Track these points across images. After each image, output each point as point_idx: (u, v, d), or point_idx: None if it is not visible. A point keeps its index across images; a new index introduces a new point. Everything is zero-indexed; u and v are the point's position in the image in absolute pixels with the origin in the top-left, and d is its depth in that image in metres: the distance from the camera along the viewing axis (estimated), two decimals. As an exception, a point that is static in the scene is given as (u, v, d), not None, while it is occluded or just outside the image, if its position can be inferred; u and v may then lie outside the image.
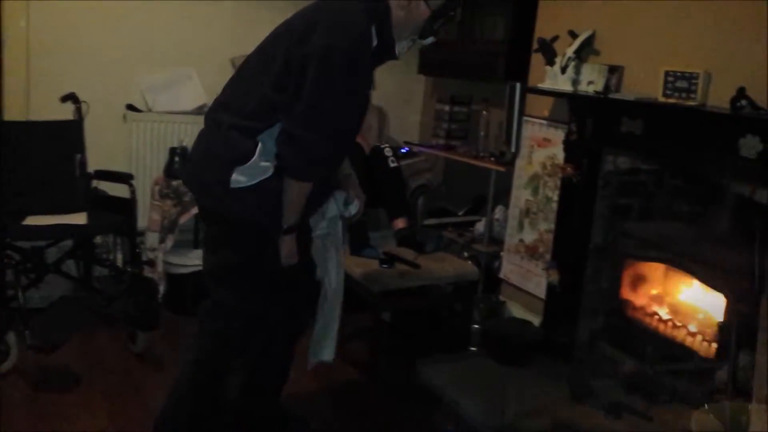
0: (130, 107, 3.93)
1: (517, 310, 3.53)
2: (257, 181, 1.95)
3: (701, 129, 2.53)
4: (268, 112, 1.94)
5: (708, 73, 2.58)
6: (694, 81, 2.60)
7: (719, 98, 2.49)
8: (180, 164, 3.67)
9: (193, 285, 3.48)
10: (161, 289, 3.48)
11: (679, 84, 2.64)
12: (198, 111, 4.06)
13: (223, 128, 2.01)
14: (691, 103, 2.59)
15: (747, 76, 2.41)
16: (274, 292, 2.13)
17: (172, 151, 3.70)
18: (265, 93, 1.95)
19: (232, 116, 2.00)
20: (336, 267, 2.30)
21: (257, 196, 1.98)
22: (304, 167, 1.95)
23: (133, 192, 3.29)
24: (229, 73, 4.24)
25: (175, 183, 3.61)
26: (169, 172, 3.68)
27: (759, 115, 2.32)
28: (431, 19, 1.99)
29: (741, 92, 2.36)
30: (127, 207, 3.28)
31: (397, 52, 2.05)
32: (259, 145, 1.94)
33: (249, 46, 4.05)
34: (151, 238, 3.69)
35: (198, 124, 3.99)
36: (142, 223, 3.65)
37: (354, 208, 2.31)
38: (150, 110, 3.96)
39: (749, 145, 2.32)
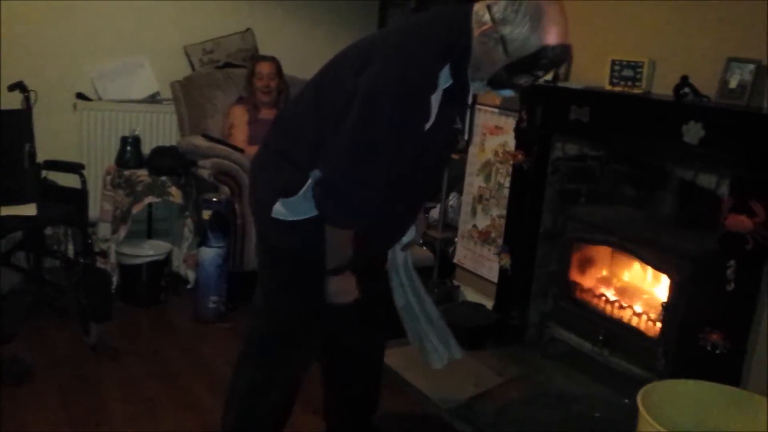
0: (80, 96, 3.85)
1: (471, 294, 3.60)
2: (298, 218, 1.81)
3: (646, 116, 2.62)
4: (320, 147, 1.75)
5: (652, 61, 2.68)
6: (639, 69, 2.69)
7: (663, 86, 2.58)
8: (132, 153, 3.63)
9: (147, 276, 3.45)
10: (114, 280, 3.44)
11: (625, 72, 2.72)
12: (150, 99, 4.01)
13: (271, 150, 1.90)
14: (636, 91, 2.68)
15: (690, 64, 2.50)
16: (321, 320, 2.00)
17: (124, 140, 3.65)
18: (320, 127, 1.76)
19: (285, 141, 1.86)
20: (410, 290, 2.15)
21: (298, 232, 1.83)
22: (341, 216, 1.76)
23: (84, 182, 3.24)
24: (181, 60, 4.25)
25: (127, 172, 3.57)
26: (121, 161, 3.63)
27: (701, 103, 2.42)
28: (508, 69, 1.68)
29: (684, 80, 2.45)
30: (78, 197, 3.23)
31: (469, 99, 1.83)
32: (309, 180, 1.77)
33: (202, 34, 4.10)
34: (103, 229, 3.64)
35: (150, 112, 4.02)
36: (93, 213, 3.60)
37: (406, 238, 2.09)
38: (100, 99, 3.89)
39: (692, 132, 2.41)
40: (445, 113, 1.76)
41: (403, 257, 2.11)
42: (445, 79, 1.70)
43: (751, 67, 2.34)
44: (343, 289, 1.87)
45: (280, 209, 1.82)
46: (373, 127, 1.66)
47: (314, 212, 1.79)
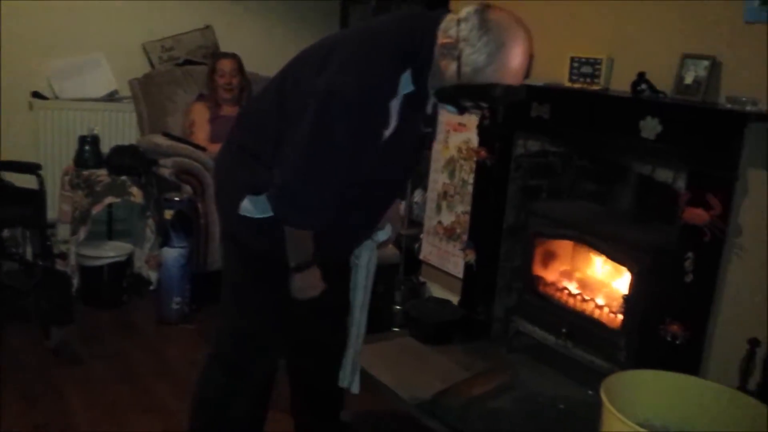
0: (37, 95, 3.77)
1: (437, 290, 3.62)
2: (264, 216, 1.78)
3: (605, 112, 2.66)
4: (283, 145, 1.73)
5: (611, 58, 2.72)
6: (597, 66, 2.73)
7: (621, 82, 2.63)
8: (91, 153, 3.56)
9: (109, 277, 3.40)
10: (75, 282, 3.38)
11: (584, 69, 2.77)
12: (108, 98, 3.95)
13: (235, 147, 1.87)
14: (595, 87, 2.72)
15: (646, 61, 2.56)
16: (287, 316, 1.98)
17: (82, 140, 3.58)
18: (281, 127, 1.73)
19: (249, 138, 1.83)
20: (360, 295, 2.09)
21: (265, 229, 1.81)
22: (295, 218, 1.74)
23: (41, 183, 3.18)
24: (140, 58, 4.18)
25: (86, 172, 3.50)
26: (80, 161, 3.56)
27: (657, 98, 2.47)
28: (457, 90, 1.63)
29: (641, 76, 2.50)
30: (35, 198, 3.16)
31: (428, 107, 1.78)
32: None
33: (162, 31, 4.04)
34: (63, 230, 3.57)
35: (108, 110, 3.95)
36: (52, 215, 3.53)
37: (383, 235, 2.07)
38: (57, 98, 3.82)
39: (649, 127, 2.46)
40: (409, 118, 1.72)
41: (368, 258, 2.06)
42: (405, 85, 1.66)
43: (706, 63, 2.39)
44: (307, 284, 1.86)
45: (247, 206, 1.80)
46: (327, 130, 1.62)
47: None
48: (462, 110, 1.72)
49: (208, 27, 4.18)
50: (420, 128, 1.83)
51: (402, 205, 2.16)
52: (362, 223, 1.95)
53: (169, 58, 4.08)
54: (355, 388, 2.14)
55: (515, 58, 1.59)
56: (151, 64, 4.04)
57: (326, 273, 1.89)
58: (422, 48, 1.65)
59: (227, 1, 4.20)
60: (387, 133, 1.69)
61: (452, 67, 1.61)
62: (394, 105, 1.66)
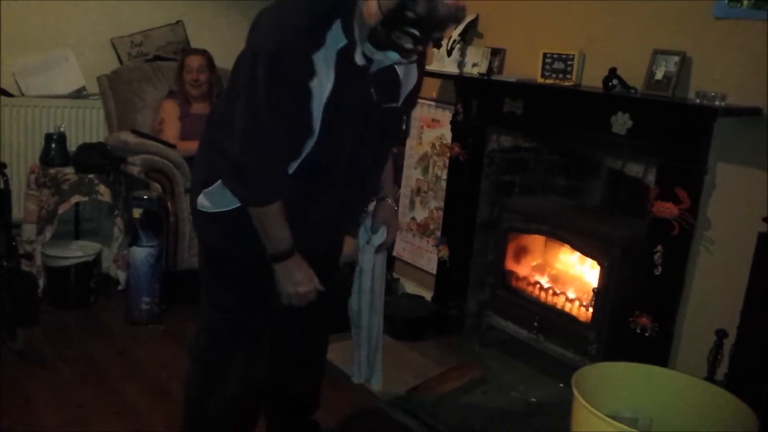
0: (2, 92, 3.68)
1: (410, 287, 3.61)
2: (220, 210, 1.74)
3: (577, 108, 2.68)
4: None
5: (582, 54, 2.74)
6: (569, 62, 2.74)
7: (593, 78, 2.65)
8: (57, 151, 3.49)
9: (76, 278, 3.33)
10: (41, 283, 3.31)
11: (556, 65, 2.78)
12: (75, 94, 3.87)
13: (205, 143, 1.84)
14: (567, 83, 2.74)
15: (618, 57, 2.57)
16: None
17: (49, 137, 3.51)
18: (231, 108, 1.66)
19: (218, 133, 1.74)
20: (368, 299, 2.04)
21: (222, 225, 1.76)
22: (248, 193, 1.67)
23: (6, 182, 3.09)
24: (108, 54, 4.11)
25: (52, 171, 3.43)
26: (46, 159, 3.49)
27: (628, 94, 2.49)
28: (384, 25, 1.53)
29: (612, 72, 2.51)
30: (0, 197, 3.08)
31: (356, 57, 1.60)
32: None
33: (131, 26, 3.97)
34: (28, 230, 3.49)
35: (76, 107, 3.87)
36: (17, 214, 3.45)
37: (378, 239, 2.00)
38: (23, 95, 3.73)
39: (620, 122, 2.48)
40: (352, 79, 1.62)
41: (372, 262, 2.01)
42: (335, 37, 1.57)
43: (676, 58, 2.42)
44: (293, 277, 1.75)
45: (203, 201, 1.77)
46: (256, 92, 1.56)
47: (236, 204, 1.71)
48: (404, 52, 1.58)
49: (178, 22, 4.12)
50: (371, 96, 1.68)
51: (395, 207, 1.99)
52: (331, 215, 1.82)
53: (139, 54, 4.02)
54: (376, 383, 2.19)
55: None
56: (120, 60, 3.98)
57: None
58: None
59: (197, -3, 4.15)
60: (324, 93, 1.58)
61: (373, 3, 1.53)
62: (323, 59, 1.56)
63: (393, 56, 1.58)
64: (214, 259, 1.89)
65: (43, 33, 3.77)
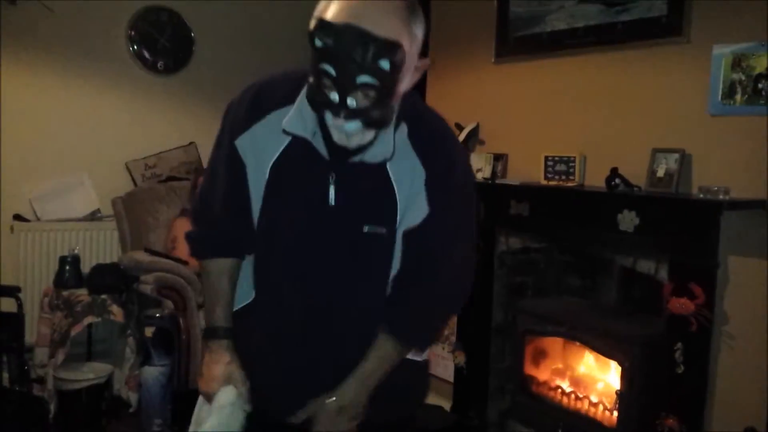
0: (18, 217, 3.77)
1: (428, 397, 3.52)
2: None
3: (582, 207, 2.71)
4: None
5: (583, 155, 2.80)
6: (571, 164, 2.80)
7: (595, 178, 2.69)
8: (71, 273, 3.52)
9: (87, 401, 3.27)
10: (52, 408, 3.25)
11: (558, 167, 2.83)
12: (90, 217, 3.96)
13: None
14: (570, 184, 2.78)
15: (618, 156, 2.63)
16: None
17: (63, 260, 3.55)
18: None
19: None
20: None
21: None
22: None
23: (20, 306, 3.12)
24: (123, 176, 4.23)
25: (65, 293, 3.44)
26: (60, 282, 3.51)
27: (633, 192, 2.52)
28: (311, 87, 1.23)
29: (614, 172, 2.56)
30: (13, 322, 3.09)
31: (283, 123, 1.30)
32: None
33: (143, 149, 4.11)
34: (40, 354, 3.46)
35: (90, 229, 3.94)
36: (30, 338, 3.44)
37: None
38: (39, 219, 3.82)
39: (627, 220, 2.50)
40: (305, 172, 1.33)
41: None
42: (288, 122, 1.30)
43: (676, 156, 2.46)
44: (205, 363, 1.44)
45: None
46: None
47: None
48: (330, 105, 1.21)
49: (191, 144, 4.26)
50: (327, 199, 1.32)
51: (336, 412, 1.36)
52: (287, 355, 1.39)
53: (152, 176, 4.13)
54: None
55: None
56: (134, 182, 4.09)
57: None
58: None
59: (209, 119, 4.31)
60: (263, 170, 1.34)
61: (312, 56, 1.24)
62: (266, 128, 1.34)
63: (328, 118, 1.22)
64: None
65: (60, 159, 3.90)
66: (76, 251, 3.63)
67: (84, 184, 3.97)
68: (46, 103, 3.85)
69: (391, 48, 1.18)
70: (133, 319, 3.46)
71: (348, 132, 1.22)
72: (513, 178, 3.07)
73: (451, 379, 3.30)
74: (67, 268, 3.53)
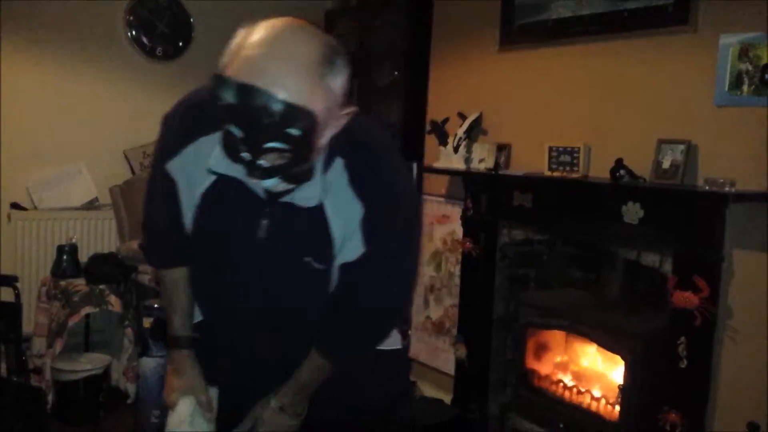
0: (15, 206, 3.74)
1: (428, 389, 3.50)
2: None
3: (586, 199, 2.67)
4: None
5: (588, 146, 2.75)
6: (575, 154, 2.76)
7: (600, 169, 2.65)
8: (69, 262, 3.49)
9: (85, 392, 3.25)
10: (49, 398, 3.23)
11: (563, 158, 2.79)
12: (88, 205, 3.92)
13: None
14: (574, 175, 2.74)
15: (623, 147, 2.58)
16: None
17: (60, 249, 3.52)
18: None
19: None
20: None
21: None
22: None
23: (17, 295, 3.09)
24: (121, 165, 4.19)
25: (63, 283, 3.42)
26: (57, 271, 3.49)
27: (638, 184, 2.48)
28: (224, 139, 1.16)
29: (619, 163, 2.52)
30: (11, 312, 3.07)
31: (211, 163, 1.25)
32: None
33: (142, 137, 4.06)
34: (38, 344, 3.45)
35: (88, 218, 3.91)
36: (27, 328, 3.42)
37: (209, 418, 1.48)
38: (36, 208, 3.78)
39: (631, 212, 2.46)
40: (235, 206, 1.29)
41: None
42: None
43: (682, 147, 2.42)
44: (169, 371, 1.46)
45: None
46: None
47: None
48: (244, 164, 1.14)
49: (189, 132, 4.22)
50: (255, 232, 1.28)
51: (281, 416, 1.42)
52: (231, 333, 1.41)
53: (151, 164, 4.10)
54: None
55: (247, 38, 1.11)
56: (132, 171, 4.05)
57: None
58: None
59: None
60: (195, 191, 1.32)
61: None
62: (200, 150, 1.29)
63: (269, 182, 1.17)
64: None
65: (57, 147, 3.86)
66: (73, 240, 3.60)
67: (82, 173, 3.94)
68: (44, 90, 3.80)
69: (299, 114, 1.08)
70: (131, 309, 3.43)
71: (266, 187, 1.19)
72: (516, 168, 3.03)
73: (452, 372, 3.27)
74: (65, 257, 3.51)
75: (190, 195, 1.33)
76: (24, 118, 3.74)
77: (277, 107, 1.06)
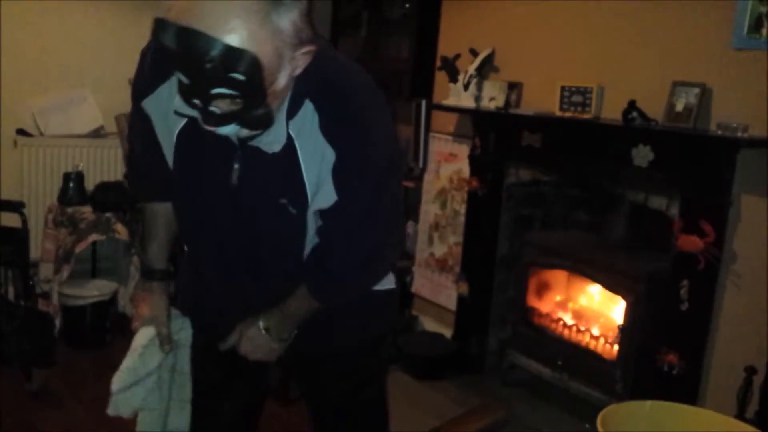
0: (21, 132, 3.72)
1: (429, 324, 3.56)
2: None
3: (596, 140, 2.65)
4: None
5: (601, 86, 2.72)
6: (588, 95, 2.72)
7: (612, 111, 2.62)
8: (75, 190, 3.50)
9: (92, 317, 3.31)
10: (57, 323, 3.29)
11: (575, 98, 2.76)
12: (94, 134, 3.91)
13: None
14: (586, 116, 2.71)
15: (637, 89, 2.55)
16: None
17: (67, 177, 3.52)
18: None
19: None
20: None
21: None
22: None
23: (24, 221, 3.11)
24: (127, 93, 4.12)
25: (70, 210, 3.44)
26: (64, 198, 3.50)
27: (649, 126, 2.46)
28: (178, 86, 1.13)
29: (632, 105, 2.49)
30: (18, 237, 3.09)
31: (175, 104, 1.17)
32: None
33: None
34: (45, 270, 3.49)
35: (94, 146, 3.90)
36: (35, 253, 3.45)
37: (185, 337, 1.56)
38: (42, 134, 3.77)
39: (641, 155, 2.45)
40: (207, 148, 1.26)
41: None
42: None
43: (696, 90, 2.38)
44: (135, 304, 1.51)
45: None
46: None
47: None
48: (198, 111, 1.12)
49: (195, 62, 4.17)
50: (230, 175, 1.26)
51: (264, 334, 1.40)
52: (211, 276, 1.45)
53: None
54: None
55: None
56: (138, 100, 4.02)
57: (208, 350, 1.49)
58: None
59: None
60: (172, 130, 1.30)
61: None
62: (157, 105, 1.31)
63: (227, 129, 1.14)
64: None
65: (64, 74, 3.82)
66: (80, 168, 3.60)
67: (87, 100, 3.90)
68: (48, 15, 3.73)
69: (240, 58, 1.02)
70: (137, 237, 3.46)
71: (225, 134, 1.14)
72: (527, 108, 3.00)
73: (454, 308, 3.32)
74: (71, 185, 3.51)
75: (168, 133, 1.31)
76: (27, 42, 3.68)
77: (216, 51, 1.01)
